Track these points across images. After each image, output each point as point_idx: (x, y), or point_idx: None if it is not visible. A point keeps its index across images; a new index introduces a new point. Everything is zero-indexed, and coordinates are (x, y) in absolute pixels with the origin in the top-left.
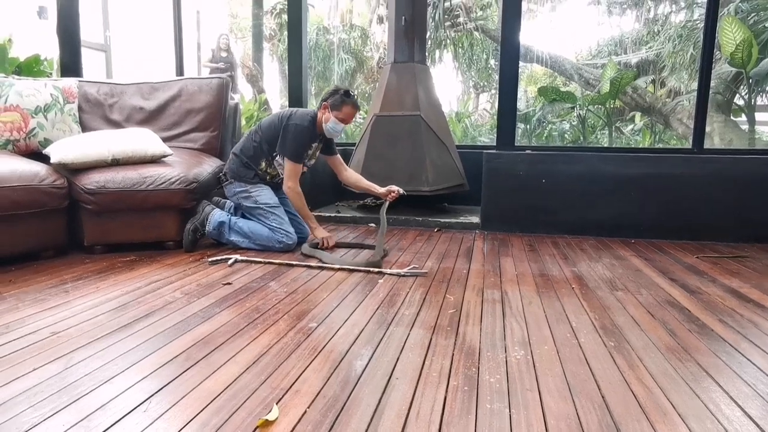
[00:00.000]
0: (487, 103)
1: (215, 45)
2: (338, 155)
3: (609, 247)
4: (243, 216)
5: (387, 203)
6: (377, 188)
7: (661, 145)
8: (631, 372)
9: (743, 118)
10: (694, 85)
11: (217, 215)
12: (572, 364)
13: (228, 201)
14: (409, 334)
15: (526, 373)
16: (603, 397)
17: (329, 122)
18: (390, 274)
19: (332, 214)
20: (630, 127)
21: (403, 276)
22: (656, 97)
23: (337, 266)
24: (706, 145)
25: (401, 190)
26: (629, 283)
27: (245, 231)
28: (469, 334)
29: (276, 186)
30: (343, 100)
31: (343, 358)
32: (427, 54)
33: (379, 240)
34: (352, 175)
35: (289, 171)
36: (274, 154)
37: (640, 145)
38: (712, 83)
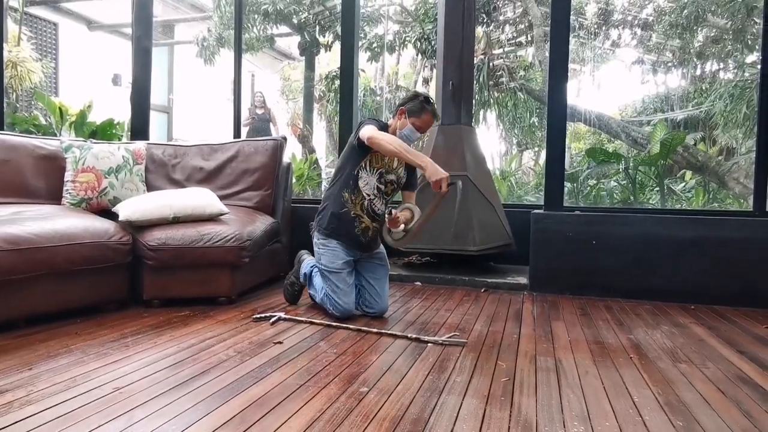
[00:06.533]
0: (531, 160)
1: (250, 103)
2: (415, 192)
3: (666, 313)
4: None
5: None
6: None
7: (716, 205)
8: None
9: None
10: (749, 143)
11: (304, 266)
12: None
13: None
14: (461, 403)
15: None
16: None
17: (405, 129)
18: (427, 342)
19: None
20: (681, 185)
21: (442, 345)
22: (709, 156)
23: (375, 330)
24: None
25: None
26: (693, 354)
27: (316, 285)
28: (525, 406)
29: (362, 245)
30: (422, 107)
31: (395, 428)
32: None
33: (417, 221)
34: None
35: (365, 129)
36: (357, 167)
37: (693, 205)
38: None
